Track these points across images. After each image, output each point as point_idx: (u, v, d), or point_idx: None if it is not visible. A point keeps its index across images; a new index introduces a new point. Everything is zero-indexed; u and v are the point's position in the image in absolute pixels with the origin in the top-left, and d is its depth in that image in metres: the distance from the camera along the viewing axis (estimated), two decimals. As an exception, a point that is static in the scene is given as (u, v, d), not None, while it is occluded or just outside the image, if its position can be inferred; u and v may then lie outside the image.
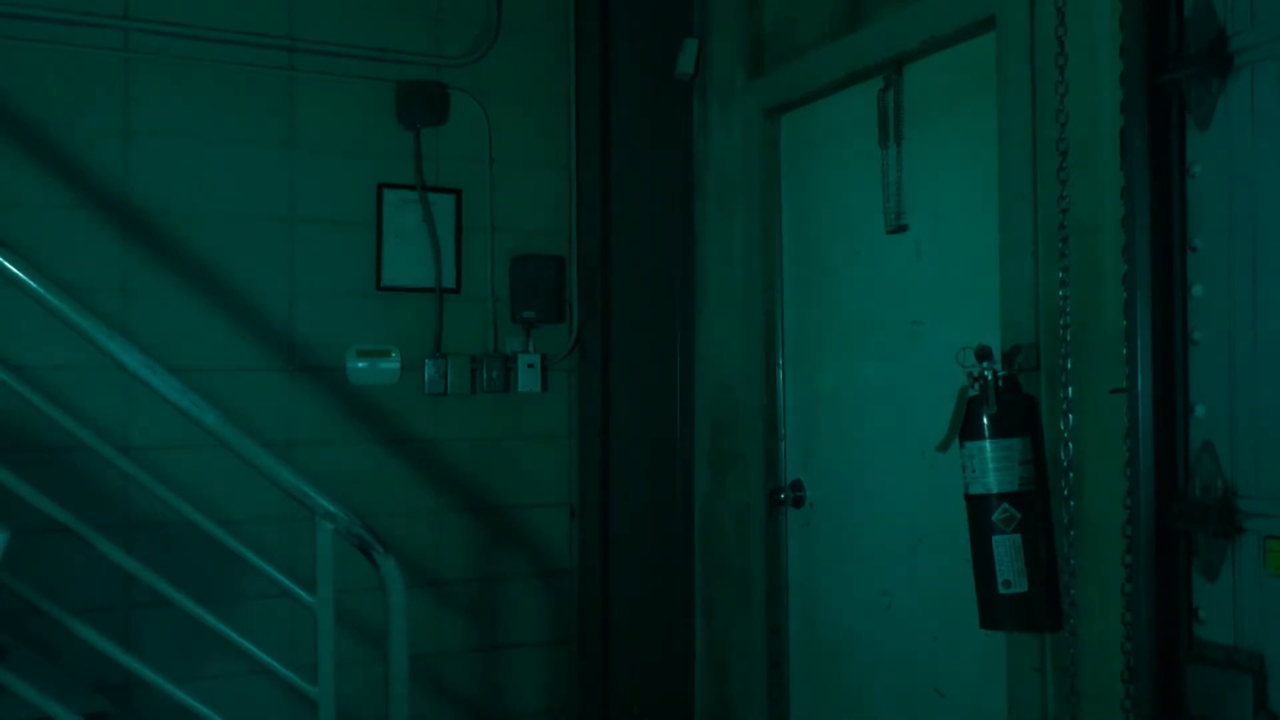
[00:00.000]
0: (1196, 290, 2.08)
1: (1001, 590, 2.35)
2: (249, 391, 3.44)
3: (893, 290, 3.06)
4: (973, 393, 2.43)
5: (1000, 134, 2.59)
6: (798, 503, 3.44)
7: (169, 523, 3.08)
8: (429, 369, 3.68)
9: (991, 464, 2.35)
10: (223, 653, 2.73)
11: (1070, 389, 2.36)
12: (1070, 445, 2.36)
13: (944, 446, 2.48)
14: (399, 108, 3.66)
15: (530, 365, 3.78)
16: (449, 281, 3.75)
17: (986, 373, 2.40)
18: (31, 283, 2.20)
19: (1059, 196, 2.38)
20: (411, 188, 3.69)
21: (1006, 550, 2.35)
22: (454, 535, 3.74)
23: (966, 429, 2.41)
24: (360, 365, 3.60)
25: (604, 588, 3.80)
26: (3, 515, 2.33)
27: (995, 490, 2.35)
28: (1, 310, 3.01)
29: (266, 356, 3.50)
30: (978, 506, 2.39)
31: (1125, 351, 2.13)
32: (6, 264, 2.19)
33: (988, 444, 2.37)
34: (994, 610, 2.39)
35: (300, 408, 3.53)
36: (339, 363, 3.58)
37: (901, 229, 2.99)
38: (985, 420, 2.38)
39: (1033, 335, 2.48)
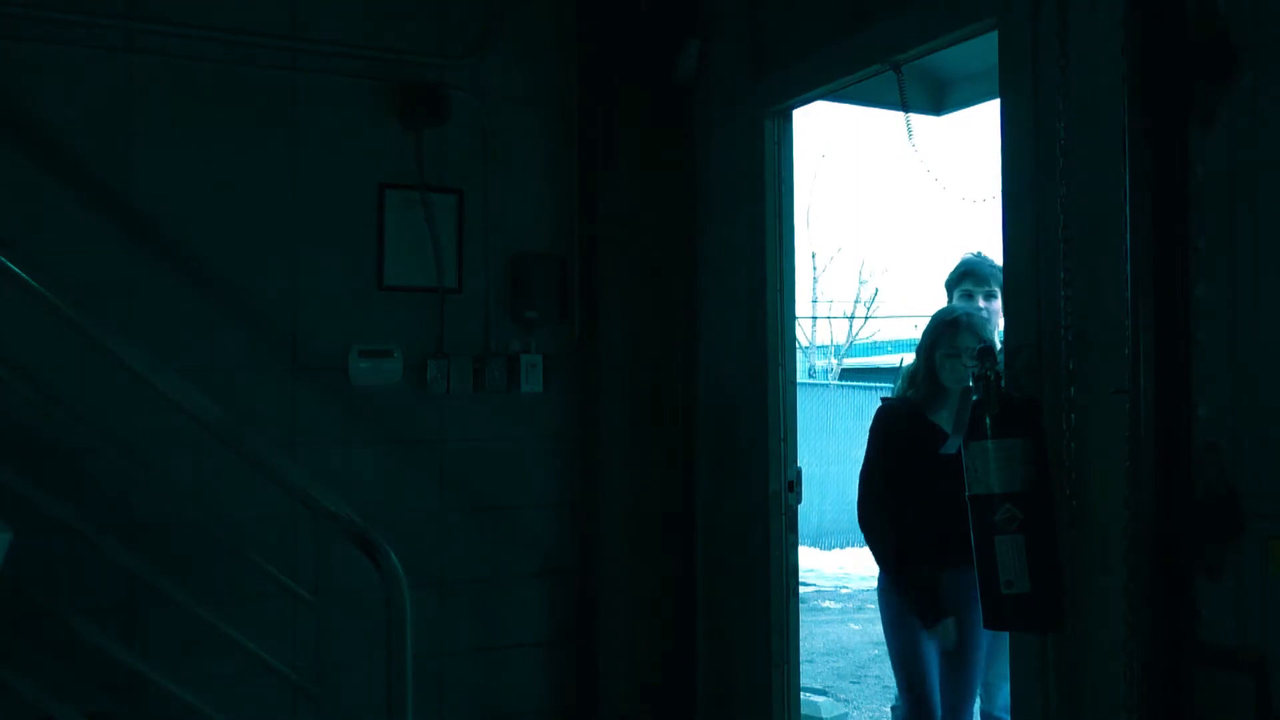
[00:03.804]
0: (1199, 290, 2.07)
1: (1004, 590, 2.35)
2: (251, 391, 3.43)
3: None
4: (976, 394, 2.43)
5: (1002, 134, 2.59)
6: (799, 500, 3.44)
7: (172, 523, 3.09)
8: (431, 369, 3.67)
9: (994, 464, 2.35)
10: (225, 652, 2.73)
11: (1073, 389, 2.35)
12: (1073, 445, 2.36)
13: (948, 447, 2.48)
14: (400, 108, 3.66)
15: (532, 365, 3.78)
16: (450, 281, 3.74)
17: (989, 373, 2.40)
18: (34, 283, 2.20)
19: (1061, 197, 2.38)
20: (413, 188, 3.68)
21: (1009, 550, 2.34)
22: (456, 535, 3.74)
23: (969, 430, 2.41)
24: (362, 365, 3.59)
25: (606, 587, 3.80)
26: (6, 515, 2.33)
27: (997, 490, 2.35)
28: (4, 310, 3.01)
29: (268, 356, 3.50)
30: (980, 507, 2.39)
31: (1128, 352, 2.13)
32: (9, 264, 2.20)
33: (990, 444, 2.36)
34: (997, 610, 2.39)
35: (302, 407, 3.53)
36: (341, 362, 3.58)
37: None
38: (988, 421, 2.37)
39: (1035, 336, 2.48)
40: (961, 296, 3.57)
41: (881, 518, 3.25)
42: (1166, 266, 2.09)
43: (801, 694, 3.54)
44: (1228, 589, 2.01)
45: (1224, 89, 2.03)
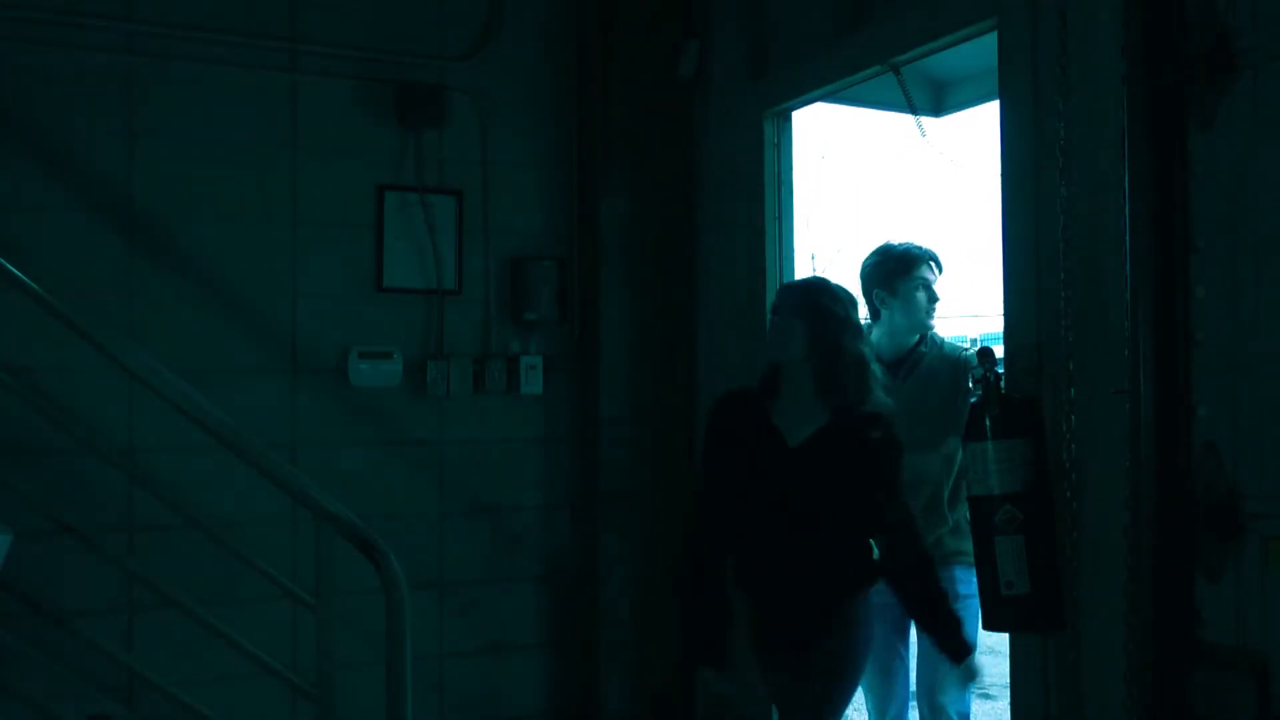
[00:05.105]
0: (1199, 291, 2.08)
1: (1004, 591, 2.34)
2: (251, 393, 3.43)
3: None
4: (975, 395, 2.43)
5: (1002, 134, 2.59)
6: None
7: (172, 525, 3.08)
8: (431, 370, 3.67)
9: (994, 465, 2.35)
10: (225, 654, 2.73)
11: (1073, 390, 2.35)
12: (1073, 446, 2.35)
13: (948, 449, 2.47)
14: (400, 108, 3.66)
15: (532, 366, 3.78)
16: (450, 283, 3.74)
17: (989, 374, 2.40)
18: (34, 285, 2.20)
19: (1062, 197, 2.38)
20: (412, 189, 3.68)
21: (1008, 551, 2.34)
22: (455, 536, 3.74)
23: (969, 430, 2.41)
24: (362, 367, 3.59)
25: (605, 588, 3.79)
26: (6, 516, 2.33)
27: (998, 491, 2.35)
28: (5, 312, 3.01)
29: (268, 358, 3.50)
30: (980, 507, 2.39)
31: (1128, 353, 2.13)
32: (9, 267, 2.20)
33: (990, 445, 2.36)
34: (996, 611, 2.39)
35: (302, 409, 3.53)
36: (340, 364, 3.58)
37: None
38: (988, 422, 2.37)
39: (1035, 336, 2.48)
40: (921, 287, 3.12)
41: (706, 535, 2.65)
42: (1167, 267, 2.09)
43: (801, 695, 3.53)
44: (1228, 589, 2.01)
45: (1223, 90, 2.03)
